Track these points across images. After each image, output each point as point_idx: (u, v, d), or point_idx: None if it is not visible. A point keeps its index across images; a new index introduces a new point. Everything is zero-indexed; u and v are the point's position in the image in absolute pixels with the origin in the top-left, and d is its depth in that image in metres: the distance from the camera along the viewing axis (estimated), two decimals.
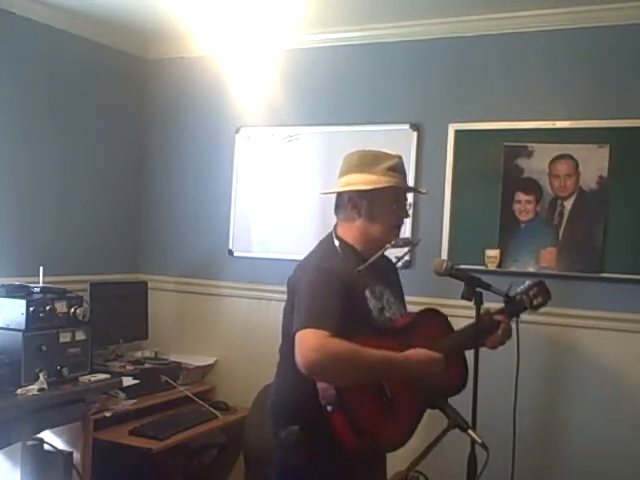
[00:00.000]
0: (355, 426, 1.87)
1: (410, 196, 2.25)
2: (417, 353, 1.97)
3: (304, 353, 1.83)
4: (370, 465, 2.09)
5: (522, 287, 2.31)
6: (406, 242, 2.18)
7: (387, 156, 2.13)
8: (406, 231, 3.16)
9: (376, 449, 1.97)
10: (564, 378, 3.01)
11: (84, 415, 2.79)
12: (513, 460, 2.27)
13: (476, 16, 3.14)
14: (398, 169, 2.13)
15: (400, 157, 2.17)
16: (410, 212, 2.24)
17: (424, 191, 2.37)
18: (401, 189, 2.15)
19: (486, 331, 2.17)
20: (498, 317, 2.22)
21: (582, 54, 3.03)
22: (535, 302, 2.32)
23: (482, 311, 2.11)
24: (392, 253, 2.21)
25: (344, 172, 2.15)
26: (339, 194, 2.17)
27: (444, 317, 2.23)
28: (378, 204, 2.10)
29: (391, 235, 2.13)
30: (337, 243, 2.11)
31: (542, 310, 2.97)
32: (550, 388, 3.04)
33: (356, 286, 2.02)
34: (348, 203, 2.13)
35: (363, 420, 1.89)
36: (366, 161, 2.11)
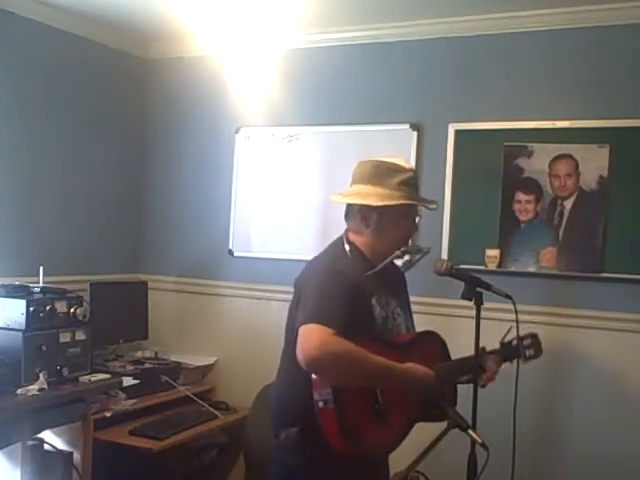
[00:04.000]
0: (343, 425, 1.86)
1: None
2: (416, 368, 1.97)
3: (306, 348, 1.82)
4: (370, 468, 2.08)
5: (516, 336, 2.29)
6: (417, 250, 2.17)
7: (401, 169, 2.09)
8: None
9: (361, 452, 1.94)
10: (564, 378, 3.01)
11: (84, 415, 2.79)
12: (513, 460, 2.27)
13: (476, 16, 3.14)
14: (411, 183, 2.10)
15: (414, 170, 2.14)
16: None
17: (433, 207, 2.19)
18: (412, 206, 2.11)
19: (476, 369, 2.14)
20: (489, 362, 2.21)
21: (582, 54, 3.02)
22: (527, 353, 2.35)
23: (480, 349, 2.11)
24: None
25: (356, 180, 2.13)
26: (349, 203, 2.14)
27: (443, 343, 2.22)
28: (387, 219, 2.08)
29: (398, 248, 2.11)
30: (347, 247, 2.10)
31: (542, 310, 3.00)
32: (550, 388, 3.04)
33: (364, 292, 2.01)
34: (358, 214, 2.10)
35: (351, 421, 1.88)
36: (379, 173, 2.08)
